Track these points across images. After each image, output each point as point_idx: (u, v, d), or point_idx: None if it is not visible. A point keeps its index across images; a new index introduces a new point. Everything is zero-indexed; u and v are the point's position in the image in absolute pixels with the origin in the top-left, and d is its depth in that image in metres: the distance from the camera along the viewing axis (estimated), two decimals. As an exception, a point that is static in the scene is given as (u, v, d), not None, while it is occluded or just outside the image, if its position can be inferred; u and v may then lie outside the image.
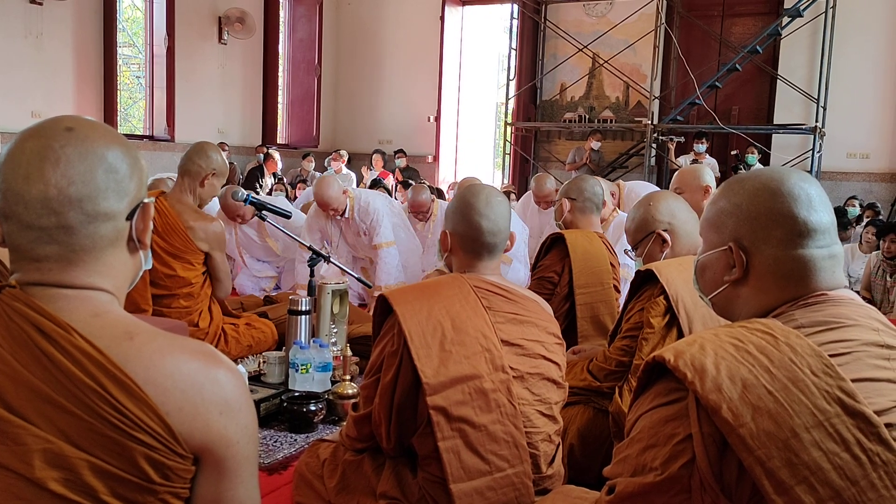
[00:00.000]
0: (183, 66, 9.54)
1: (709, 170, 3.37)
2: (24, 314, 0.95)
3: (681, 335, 2.05)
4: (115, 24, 8.87)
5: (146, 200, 1.08)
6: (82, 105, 8.51)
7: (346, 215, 4.86)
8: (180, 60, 9.49)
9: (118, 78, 9.02)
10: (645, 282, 2.19)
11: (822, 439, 0.98)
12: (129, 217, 1.04)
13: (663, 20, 9.36)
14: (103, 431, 0.92)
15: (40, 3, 7.90)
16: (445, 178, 11.15)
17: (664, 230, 2.34)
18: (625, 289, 2.76)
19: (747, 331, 1.09)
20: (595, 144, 9.74)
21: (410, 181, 9.55)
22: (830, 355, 1.05)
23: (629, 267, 3.75)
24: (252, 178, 9.38)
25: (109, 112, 8.75)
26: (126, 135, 9.42)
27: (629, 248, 2.47)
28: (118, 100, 9.14)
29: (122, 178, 1.02)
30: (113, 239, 1.03)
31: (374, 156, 10.45)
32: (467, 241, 1.85)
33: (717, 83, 9.32)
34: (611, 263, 3.07)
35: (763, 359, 1.04)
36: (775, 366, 1.03)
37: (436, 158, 11.32)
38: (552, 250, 3.07)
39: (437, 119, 11.32)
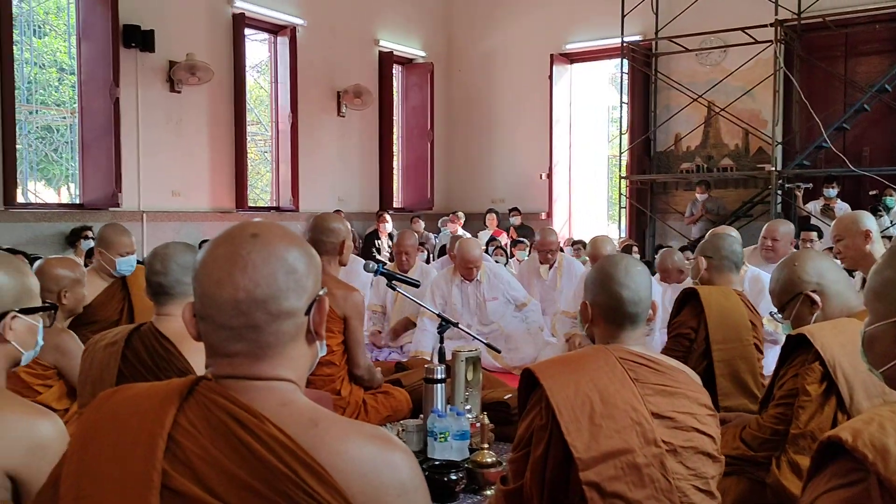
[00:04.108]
0: (305, 140, 10.02)
1: (869, 215, 3.25)
2: (221, 405, 1.04)
3: (840, 402, 1.95)
4: (245, 105, 9.45)
5: (321, 293, 1.16)
6: (216, 182, 9.06)
7: (479, 278, 5.03)
8: (303, 135, 9.97)
9: (247, 154, 9.58)
10: (797, 346, 2.10)
11: None
12: (307, 312, 1.12)
13: (781, 64, 9.09)
14: None
15: (179, 92, 8.56)
16: (560, 233, 11.09)
17: (813, 291, 2.24)
18: (773, 351, 2.66)
19: (929, 408, 1.04)
20: (700, 196, 9.48)
21: (524, 239, 9.59)
22: None
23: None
24: (369, 243, 9.69)
25: (240, 188, 9.23)
26: (253, 207, 9.96)
27: (774, 310, 2.38)
28: (247, 175, 9.69)
29: (300, 277, 1.10)
30: (294, 334, 1.11)
31: (487, 215, 10.57)
32: (609, 311, 1.85)
33: (844, 125, 8.91)
34: (751, 322, 2.97)
35: (950, 439, 0.98)
36: (963, 446, 0.97)
37: (549, 214, 11.33)
38: (686, 307, 3.02)
39: (549, 176, 11.36)
